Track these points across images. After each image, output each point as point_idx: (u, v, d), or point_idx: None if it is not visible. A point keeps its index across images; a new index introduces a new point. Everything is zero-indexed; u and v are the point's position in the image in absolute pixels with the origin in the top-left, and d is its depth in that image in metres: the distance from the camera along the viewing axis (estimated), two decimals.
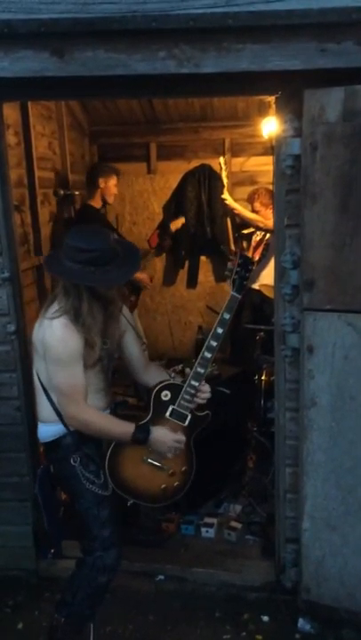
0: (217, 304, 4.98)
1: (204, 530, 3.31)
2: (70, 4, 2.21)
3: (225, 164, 4.78)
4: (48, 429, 2.42)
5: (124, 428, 2.39)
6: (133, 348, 2.57)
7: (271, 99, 2.63)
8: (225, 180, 4.83)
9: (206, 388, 2.53)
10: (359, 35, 2.20)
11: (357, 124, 2.29)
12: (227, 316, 2.45)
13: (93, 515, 2.37)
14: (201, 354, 2.48)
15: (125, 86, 2.50)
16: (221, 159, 4.79)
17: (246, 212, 4.83)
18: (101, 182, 4.40)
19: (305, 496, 2.66)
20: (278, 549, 2.95)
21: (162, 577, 3.03)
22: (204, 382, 2.51)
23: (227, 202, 4.83)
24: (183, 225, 5.21)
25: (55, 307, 2.30)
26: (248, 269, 2.47)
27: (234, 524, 3.33)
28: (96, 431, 2.37)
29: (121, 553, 2.41)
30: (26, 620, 2.83)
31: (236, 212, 4.89)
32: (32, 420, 2.69)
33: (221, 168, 4.76)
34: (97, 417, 2.38)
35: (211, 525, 3.32)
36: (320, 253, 2.43)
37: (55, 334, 2.26)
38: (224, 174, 4.77)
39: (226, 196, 4.81)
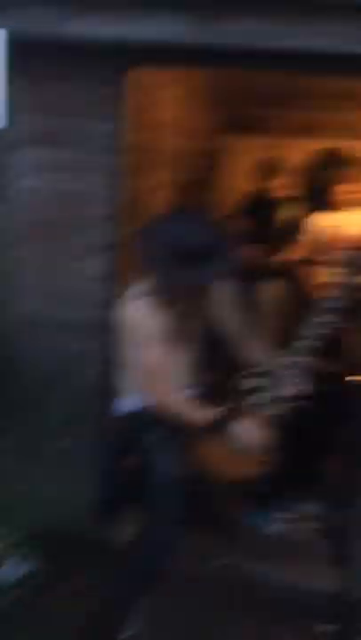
0: None
1: (275, 525, 3.19)
2: None
3: None
4: (127, 402, 2.41)
5: (203, 417, 2.32)
6: (230, 324, 2.47)
7: None
8: None
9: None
10: None
11: None
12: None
13: (162, 491, 2.33)
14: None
15: (267, 59, 2.33)
16: None
17: None
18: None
19: None
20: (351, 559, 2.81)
21: (221, 564, 2.95)
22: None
23: None
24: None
25: (142, 285, 2.24)
26: None
27: (308, 524, 3.21)
28: (174, 414, 2.32)
29: (183, 533, 2.35)
30: (76, 582, 2.82)
31: None
32: (108, 388, 2.67)
33: None
34: (177, 401, 2.33)
35: (285, 521, 3.20)
36: None
37: (139, 314, 2.21)
38: None
39: None
